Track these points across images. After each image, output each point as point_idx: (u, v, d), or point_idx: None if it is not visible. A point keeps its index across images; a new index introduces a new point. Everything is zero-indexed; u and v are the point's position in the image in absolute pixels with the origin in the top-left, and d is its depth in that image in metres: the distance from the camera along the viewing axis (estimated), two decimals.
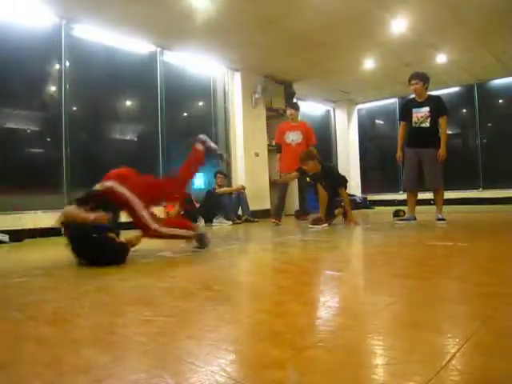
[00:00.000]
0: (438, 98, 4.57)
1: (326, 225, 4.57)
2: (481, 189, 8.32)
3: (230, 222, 5.74)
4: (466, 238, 3.28)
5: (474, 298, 1.41)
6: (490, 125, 8.67)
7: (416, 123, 4.48)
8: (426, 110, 4.43)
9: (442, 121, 4.39)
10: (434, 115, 4.40)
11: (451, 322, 1.18)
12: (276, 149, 5.86)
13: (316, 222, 4.58)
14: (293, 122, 5.63)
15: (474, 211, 6.26)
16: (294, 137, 5.48)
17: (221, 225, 5.63)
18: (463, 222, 4.77)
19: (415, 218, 4.57)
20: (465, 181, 8.29)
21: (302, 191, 5.57)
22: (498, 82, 8.31)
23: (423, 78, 4.49)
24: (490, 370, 0.84)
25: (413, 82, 4.50)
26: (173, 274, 2.19)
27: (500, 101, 8.65)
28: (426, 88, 4.53)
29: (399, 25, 5.43)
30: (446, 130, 4.42)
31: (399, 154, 4.65)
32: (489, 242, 2.97)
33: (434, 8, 5.00)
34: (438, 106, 4.44)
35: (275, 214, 5.39)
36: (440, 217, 4.38)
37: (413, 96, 4.67)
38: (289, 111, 5.67)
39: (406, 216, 4.72)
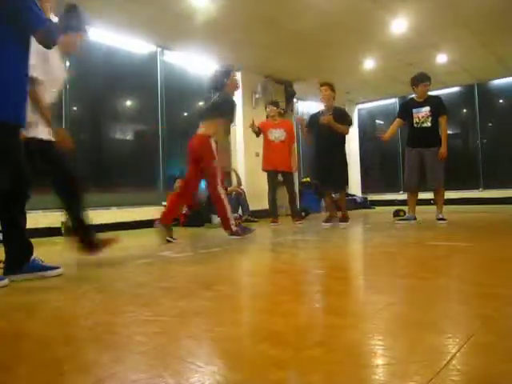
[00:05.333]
0: (437, 97, 4.60)
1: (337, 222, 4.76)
2: (481, 189, 8.32)
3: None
4: (466, 238, 3.28)
5: (474, 298, 1.41)
6: (490, 125, 8.67)
7: (417, 123, 4.50)
8: (426, 109, 4.45)
9: (442, 120, 4.42)
10: (435, 115, 4.43)
11: (451, 322, 1.18)
12: (258, 130, 5.45)
13: (329, 219, 4.79)
14: (273, 120, 5.53)
15: (474, 211, 6.26)
16: (277, 134, 5.39)
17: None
18: (463, 222, 4.77)
19: (415, 218, 4.58)
20: (465, 181, 8.30)
21: (290, 195, 5.50)
22: (498, 82, 8.31)
23: (431, 80, 4.53)
24: (489, 369, 0.84)
25: (425, 83, 4.48)
26: (173, 274, 2.19)
27: (500, 101, 8.65)
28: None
29: (399, 25, 5.43)
30: (447, 129, 4.46)
31: (386, 135, 4.69)
32: (489, 242, 2.97)
33: (434, 8, 5.00)
34: (438, 106, 4.46)
35: (272, 214, 5.39)
36: (440, 216, 4.39)
37: (412, 96, 4.67)
38: (269, 109, 5.58)
39: (406, 216, 4.73)
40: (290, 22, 5.22)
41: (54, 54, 2.38)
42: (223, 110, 3.67)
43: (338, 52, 6.42)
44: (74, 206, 2.51)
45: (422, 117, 4.46)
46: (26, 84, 1.98)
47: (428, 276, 1.84)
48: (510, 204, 7.11)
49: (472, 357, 0.91)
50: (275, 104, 5.63)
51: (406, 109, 4.64)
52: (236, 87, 3.97)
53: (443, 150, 4.36)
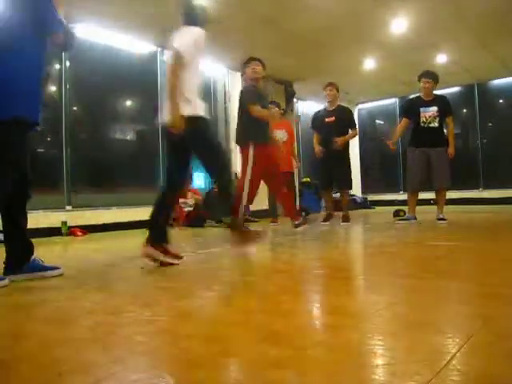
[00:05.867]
0: (444, 97, 4.53)
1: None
2: (481, 189, 8.32)
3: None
4: (466, 238, 3.28)
5: (475, 298, 1.41)
6: (490, 125, 8.67)
7: (424, 123, 4.39)
8: (434, 109, 4.37)
9: (450, 121, 4.41)
10: (442, 115, 4.36)
11: (451, 322, 1.18)
12: None
13: (327, 218, 4.88)
14: (275, 120, 5.54)
15: (473, 211, 6.26)
16: (280, 135, 5.41)
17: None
18: (463, 222, 4.77)
19: (415, 218, 4.55)
20: (465, 181, 8.29)
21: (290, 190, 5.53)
22: (498, 82, 8.32)
23: (435, 78, 4.45)
24: (490, 369, 0.84)
25: (424, 80, 4.42)
26: (173, 274, 2.19)
27: (500, 101, 8.65)
28: (434, 88, 4.48)
29: (399, 25, 5.43)
30: (453, 129, 4.46)
31: (393, 141, 4.62)
32: (489, 242, 2.97)
33: (434, 8, 4.99)
34: (445, 106, 4.41)
35: (272, 214, 5.40)
36: (441, 216, 4.36)
37: (418, 94, 4.59)
38: (272, 109, 5.61)
39: (407, 216, 4.69)
40: (290, 22, 5.22)
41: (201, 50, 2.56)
42: (244, 104, 3.84)
43: (337, 52, 6.42)
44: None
45: (430, 116, 4.38)
46: (37, 85, 2.01)
47: (428, 276, 1.84)
48: (509, 204, 7.11)
49: (472, 357, 0.91)
50: (276, 104, 5.63)
51: (413, 107, 4.53)
52: (252, 77, 3.98)
53: (452, 149, 4.33)
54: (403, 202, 6.20)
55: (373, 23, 5.38)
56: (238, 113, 4.02)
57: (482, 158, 8.44)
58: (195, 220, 5.45)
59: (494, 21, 5.37)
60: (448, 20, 5.35)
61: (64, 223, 4.71)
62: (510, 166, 8.06)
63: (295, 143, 5.65)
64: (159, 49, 5.97)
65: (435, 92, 4.54)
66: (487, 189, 8.21)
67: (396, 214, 5.37)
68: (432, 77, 4.45)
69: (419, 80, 4.47)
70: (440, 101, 4.43)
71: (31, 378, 0.89)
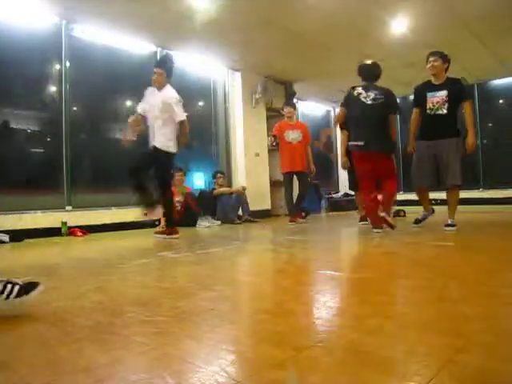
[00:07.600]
0: (457, 80, 3.82)
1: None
2: (481, 189, 8.32)
3: (219, 222, 5.69)
4: (466, 238, 3.28)
5: (475, 298, 1.41)
6: (490, 125, 8.67)
7: (431, 109, 3.78)
8: (442, 94, 3.74)
9: (467, 106, 3.76)
10: (453, 101, 3.73)
11: (451, 322, 1.18)
12: (274, 140, 5.64)
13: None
14: (290, 121, 5.58)
15: (474, 211, 6.25)
16: (294, 135, 5.44)
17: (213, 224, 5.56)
18: (463, 222, 4.75)
19: (433, 211, 4.09)
20: (465, 181, 8.25)
21: (301, 194, 5.52)
22: (498, 82, 8.32)
23: (443, 57, 3.80)
24: (489, 370, 0.84)
25: (431, 58, 3.78)
26: (173, 274, 2.19)
27: (500, 101, 8.65)
28: (446, 69, 3.83)
29: (399, 25, 5.43)
30: (473, 115, 3.83)
31: (411, 145, 3.98)
32: (489, 242, 2.97)
33: (434, 8, 5.00)
34: (458, 90, 3.75)
35: (291, 214, 5.40)
36: (449, 222, 3.76)
37: (428, 79, 3.92)
38: (287, 109, 5.60)
39: (423, 215, 4.08)
40: (290, 22, 5.22)
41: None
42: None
43: (337, 53, 6.42)
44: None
45: (437, 102, 3.75)
46: None
47: (428, 276, 1.84)
48: (509, 204, 7.11)
49: (472, 357, 0.91)
50: (293, 105, 5.70)
51: (421, 93, 3.89)
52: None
53: (470, 139, 3.73)
54: (403, 202, 6.21)
55: (373, 23, 5.39)
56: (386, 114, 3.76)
57: (482, 158, 8.44)
58: (187, 219, 5.42)
59: (494, 21, 5.37)
60: (448, 20, 5.35)
61: (64, 223, 4.71)
62: (510, 165, 8.05)
63: (310, 148, 5.64)
64: (159, 49, 5.97)
65: (449, 75, 3.86)
66: (487, 189, 8.21)
67: (396, 214, 5.36)
68: (438, 54, 3.79)
69: (427, 61, 3.83)
70: (451, 84, 3.76)
71: (32, 378, 0.89)
